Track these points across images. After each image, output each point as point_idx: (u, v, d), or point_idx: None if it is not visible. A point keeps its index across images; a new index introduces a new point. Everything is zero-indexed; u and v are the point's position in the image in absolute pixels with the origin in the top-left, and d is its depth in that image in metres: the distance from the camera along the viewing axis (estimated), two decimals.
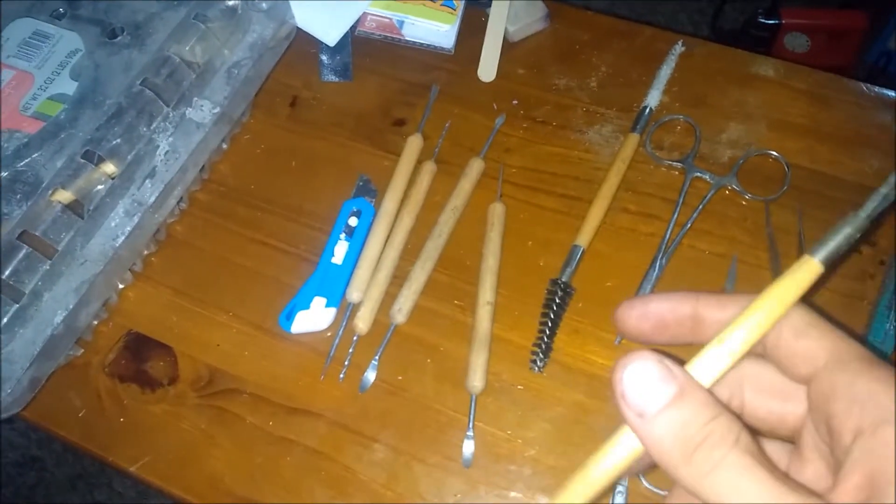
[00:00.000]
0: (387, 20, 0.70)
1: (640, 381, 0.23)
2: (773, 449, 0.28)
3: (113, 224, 0.54)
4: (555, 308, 0.55)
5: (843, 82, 0.65)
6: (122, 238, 0.53)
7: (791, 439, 0.27)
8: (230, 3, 0.60)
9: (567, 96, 0.66)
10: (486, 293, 0.55)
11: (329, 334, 0.56)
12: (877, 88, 0.64)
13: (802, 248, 0.56)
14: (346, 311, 0.56)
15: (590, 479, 0.25)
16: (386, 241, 0.59)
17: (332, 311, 0.56)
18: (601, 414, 0.52)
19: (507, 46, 0.68)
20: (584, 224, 0.58)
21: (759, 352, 0.27)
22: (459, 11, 0.69)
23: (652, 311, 0.29)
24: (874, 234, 0.57)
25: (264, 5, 0.62)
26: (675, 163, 0.61)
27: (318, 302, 0.56)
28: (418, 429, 0.52)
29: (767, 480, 0.22)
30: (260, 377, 0.55)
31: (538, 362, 0.53)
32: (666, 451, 0.23)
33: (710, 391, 0.24)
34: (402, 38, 0.69)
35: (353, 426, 0.53)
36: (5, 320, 0.49)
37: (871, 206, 0.26)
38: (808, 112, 0.63)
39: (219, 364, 0.56)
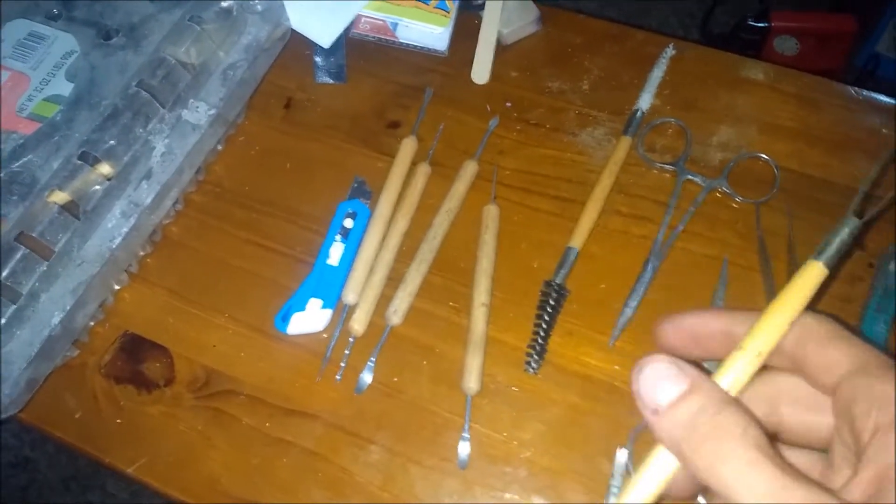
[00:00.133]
0: (381, 22, 0.70)
1: (653, 379, 0.25)
2: (811, 459, 0.28)
3: (109, 225, 0.54)
4: (549, 310, 0.55)
5: (832, 86, 0.65)
6: (119, 239, 0.53)
7: (826, 449, 0.28)
8: (225, 4, 0.60)
9: (560, 99, 0.66)
10: (481, 295, 0.56)
11: (325, 336, 0.56)
12: (865, 92, 0.64)
13: (792, 250, 0.56)
14: (342, 313, 0.57)
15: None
16: (381, 242, 0.59)
17: (328, 312, 0.57)
18: (596, 415, 0.53)
19: (500, 49, 0.69)
20: (578, 226, 0.58)
21: (789, 366, 0.28)
22: (453, 14, 0.70)
23: (686, 326, 0.30)
24: (863, 237, 0.58)
25: (259, 7, 0.62)
26: (666, 165, 0.61)
27: (314, 303, 0.57)
28: (414, 430, 0.53)
29: (772, 472, 0.22)
30: (256, 378, 0.55)
31: (533, 364, 0.54)
32: (676, 444, 0.24)
33: (718, 386, 0.25)
34: (395, 40, 0.70)
35: (350, 427, 0.53)
36: (3, 321, 0.49)
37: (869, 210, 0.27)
38: (797, 115, 0.64)
39: (215, 365, 0.56)
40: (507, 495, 0.51)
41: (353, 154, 0.65)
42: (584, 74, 0.68)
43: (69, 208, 0.52)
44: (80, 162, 0.52)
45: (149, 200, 0.55)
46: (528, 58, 0.69)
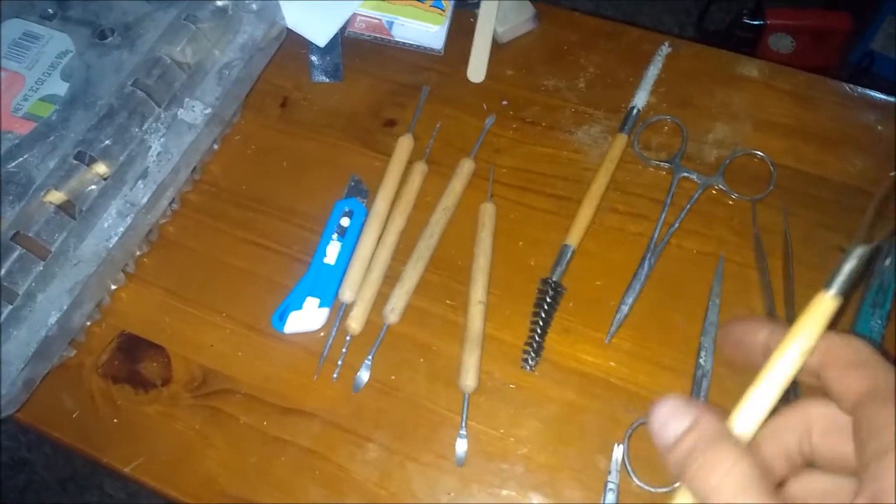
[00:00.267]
0: (376, 21, 0.70)
1: (663, 416, 0.27)
2: (845, 485, 0.29)
3: (106, 225, 0.54)
4: (546, 307, 0.55)
5: (827, 83, 0.66)
6: (115, 239, 0.53)
7: None
8: (220, 3, 0.60)
9: (556, 97, 0.66)
10: (478, 293, 0.56)
11: (322, 334, 0.57)
12: (860, 89, 0.65)
13: (788, 247, 0.57)
14: (339, 312, 0.57)
15: None
16: (378, 241, 0.59)
17: (325, 311, 0.57)
18: (593, 412, 0.53)
19: (496, 47, 0.69)
20: (574, 224, 0.59)
21: (820, 388, 0.28)
22: (448, 13, 0.70)
23: (733, 333, 0.31)
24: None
25: (254, 6, 0.62)
26: (662, 163, 0.61)
27: (311, 302, 0.57)
28: (411, 428, 0.53)
29: (759, 501, 0.24)
30: (253, 377, 0.55)
31: (530, 361, 0.54)
32: (680, 476, 0.26)
33: (717, 422, 0.26)
34: (391, 38, 0.70)
35: (347, 426, 0.53)
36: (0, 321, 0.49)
37: (878, 236, 0.28)
38: (792, 112, 0.64)
39: (212, 364, 0.56)
40: (505, 492, 0.51)
41: (349, 153, 0.65)
42: (579, 72, 0.68)
43: (65, 208, 0.52)
44: (75, 161, 0.52)
45: (145, 200, 0.55)
46: (523, 56, 0.69)
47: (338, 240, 0.59)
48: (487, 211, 0.59)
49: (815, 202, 0.59)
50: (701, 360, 0.53)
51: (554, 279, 0.56)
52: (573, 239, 0.58)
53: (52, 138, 0.54)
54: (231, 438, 0.53)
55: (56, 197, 0.52)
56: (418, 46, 0.69)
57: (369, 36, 0.70)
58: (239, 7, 0.61)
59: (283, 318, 0.56)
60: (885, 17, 1.45)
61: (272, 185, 0.64)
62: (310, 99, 0.68)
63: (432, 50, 0.69)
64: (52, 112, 0.56)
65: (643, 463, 0.50)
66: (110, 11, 0.60)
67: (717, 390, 0.52)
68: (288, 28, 0.67)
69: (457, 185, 0.61)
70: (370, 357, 0.55)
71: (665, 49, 0.67)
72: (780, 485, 0.29)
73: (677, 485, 0.48)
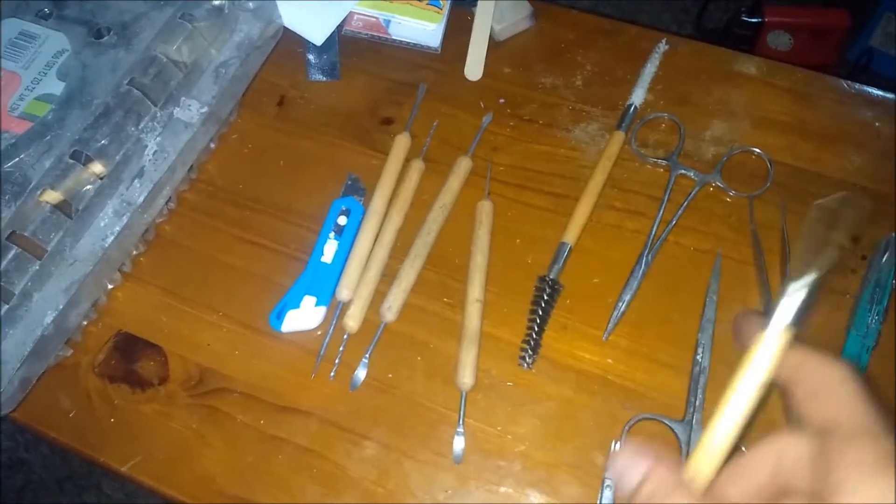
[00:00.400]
0: (373, 19, 0.70)
1: (619, 466, 0.29)
2: None
3: (102, 224, 0.54)
4: (543, 305, 0.55)
5: (825, 80, 0.65)
6: (111, 238, 0.53)
7: None
8: (216, 2, 0.60)
9: (553, 95, 0.66)
10: (475, 290, 0.56)
11: (319, 333, 0.56)
12: (857, 85, 0.65)
13: (786, 243, 0.57)
14: (336, 310, 0.57)
15: None
16: (375, 239, 0.59)
17: (322, 309, 0.57)
18: (590, 409, 0.53)
19: (493, 45, 0.69)
20: (571, 221, 0.58)
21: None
22: (445, 10, 0.70)
23: (737, 323, 0.32)
24: (856, 230, 0.58)
25: (251, 5, 0.62)
26: (659, 160, 0.61)
27: (308, 301, 0.57)
28: (409, 426, 0.53)
29: None
30: (250, 376, 0.55)
31: (527, 358, 0.54)
32: None
33: (668, 471, 0.28)
34: (388, 37, 0.69)
35: (344, 424, 0.53)
36: None
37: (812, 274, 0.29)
38: (790, 109, 0.64)
39: (209, 363, 0.56)
40: (502, 489, 0.51)
41: (346, 151, 0.65)
42: (577, 70, 0.68)
43: (61, 207, 0.52)
44: (72, 161, 0.52)
45: (141, 199, 0.55)
46: (521, 54, 0.69)
47: (335, 238, 0.59)
48: (485, 209, 0.59)
49: (813, 199, 0.58)
50: (698, 357, 0.53)
51: (551, 277, 0.56)
52: (570, 236, 0.58)
53: (48, 138, 0.54)
54: (228, 437, 0.53)
55: (52, 196, 0.52)
56: (415, 44, 0.69)
57: (366, 34, 0.70)
58: (235, 6, 0.61)
59: (280, 317, 0.56)
60: (884, 15, 1.45)
61: (269, 183, 0.63)
62: (307, 97, 0.68)
63: (429, 48, 0.69)
64: (48, 111, 0.55)
65: None
66: (106, 10, 0.60)
67: (714, 386, 0.52)
68: (285, 27, 0.67)
69: (454, 183, 0.61)
70: (367, 355, 0.55)
71: (662, 46, 0.67)
72: None
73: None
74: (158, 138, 0.57)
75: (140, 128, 0.56)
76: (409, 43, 0.69)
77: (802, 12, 1.42)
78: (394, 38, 0.69)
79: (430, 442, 0.52)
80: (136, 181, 0.55)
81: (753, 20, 1.40)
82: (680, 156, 0.62)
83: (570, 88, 0.66)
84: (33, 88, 0.57)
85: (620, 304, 0.56)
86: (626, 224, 0.60)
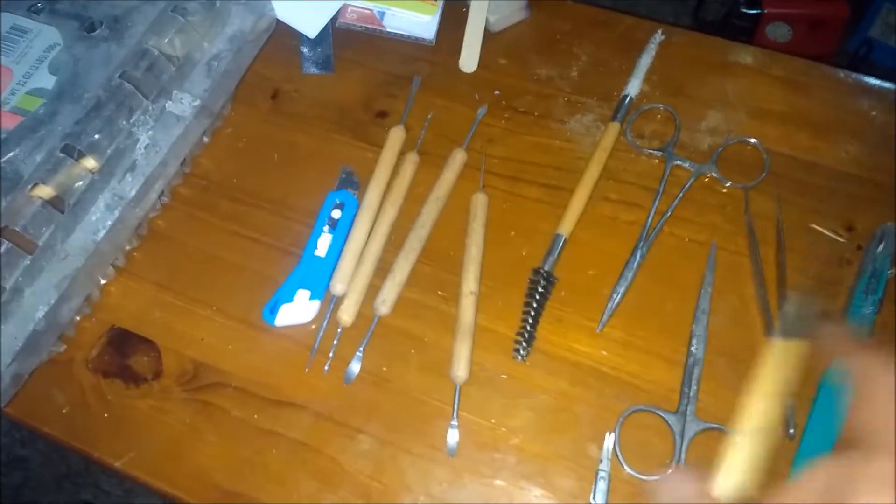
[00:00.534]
0: (367, 11, 0.70)
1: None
2: None
3: (94, 218, 0.54)
4: (537, 297, 0.55)
5: (822, 69, 0.65)
6: (103, 232, 0.53)
7: None
8: None
9: (548, 86, 0.66)
10: (470, 283, 0.55)
11: (313, 327, 0.56)
12: (854, 75, 0.64)
13: (781, 234, 0.56)
14: (330, 304, 0.56)
15: None
16: (369, 232, 0.59)
17: (316, 303, 0.56)
18: (584, 402, 0.52)
19: (488, 37, 0.68)
20: (566, 213, 0.58)
21: None
22: (440, 2, 0.69)
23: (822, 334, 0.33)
24: (852, 220, 0.57)
25: None
26: (655, 151, 0.61)
27: (302, 295, 0.56)
28: (403, 419, 0.53)
29: None
30: (245, 371, 0.55)
31: (521, 351, 0.54)
32: None
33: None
34: (383, 29, 0.69)
35: (339, 418, 0.53)
36: None
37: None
38: (786, 99, 0.64)
39: (203, 358, 0.56)
40: (497, 482, 0.50)
41: (340, 144, 0.64)
42: (572, 61, 0.67)
43: (53, 202, 0.52)
44: (63, 155, 0.52)
45: (133, 193, 0.54)
46: (516, 45, 0.69)
47: (329, 232, 0.59)
48: (479, 201, 0.59)
49: (808, 188, 0.59)
50: (692, 349, 0.53)
51: (546, 269, 0.56)
52: (565, 228, 0.58)
53: (39, 132, 0.54)
54: (222, 432, 0.53)
55: (44, 191, 0.52)
56: (410, 37, 0.69)
57: (360, 27, 0.69)
58: None
59: (274, 311, 0.56)
60: (883, 5, 1.44)
61: (263, 177, 0.63)
62: (301, 91, 0.67)
63: (424, 40, 0.69)
64: (39, 106, 0.55)
65: (634, 451, 0.50)
66: (98, 4, 0.59)
67: (708, 378, 0.52)
68: (278, 19, 0.66)
69: (449, 175, 0.61)
70: (361, 349, 0.55)
71: (658, 37, 0.66)
72: None
73: (668, 472, 0.48)
74: (150, 132, 0.56)
75: (132, 121, 0.56)
76: (403, 35, 0.69)
77: (801, 3, 1.41)
78: (388, 30, 0.69)
79: (425, 435, 0.52)
80: (127, 175, 0.55)
81: (752, 11, 1.39)
82: (675, 146, 0.61)
83: (566, 79, 0.66)
84: (25, 83, 0.57)
85: (615, 296, 0.55)
86: (621, 215, 0.59)
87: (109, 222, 0.53)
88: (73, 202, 0.52)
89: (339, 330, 0.55)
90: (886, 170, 0.59)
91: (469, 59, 0.67)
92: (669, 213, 0.58)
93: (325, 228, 0.59)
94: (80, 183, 0.53)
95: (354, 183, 0.62)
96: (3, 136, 0.53)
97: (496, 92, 0.66)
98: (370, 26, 0.69)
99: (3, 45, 0.58)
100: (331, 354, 0.55)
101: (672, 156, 0.61)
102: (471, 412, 0.53)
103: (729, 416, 0.50)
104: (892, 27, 1.45)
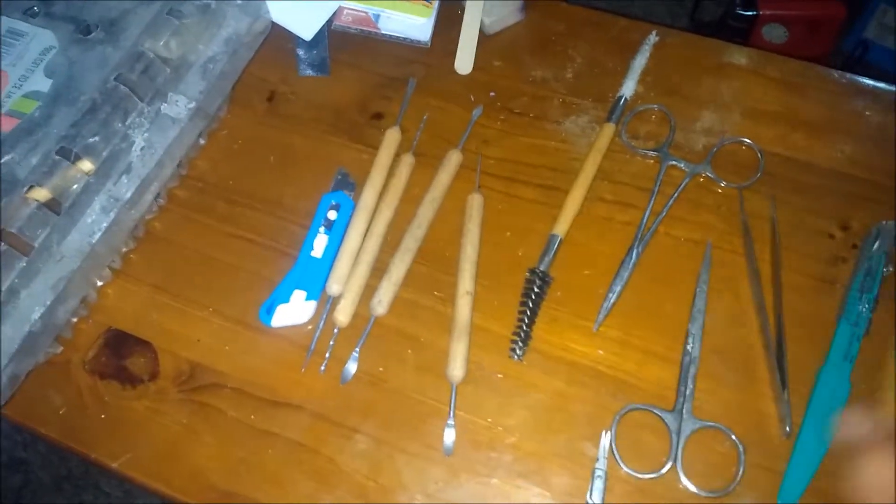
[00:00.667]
0: (363, 14, 0.70)
1: None
2: None
3: (89, 220, 0.54)
4: (533, 297, 0.55)
5: (816, 69, 0.65)
6: (99, 234, 0.53)
7: None
8: None
9: (543, 87, 0.66)
10: (466, 283, 0.56)
11: (310, 327, 0.56)
12: (848, 75, 0.64)
13: (776, 233, 0.56)
14: (327, 304, 0.57)
15: None
16: (365, 233, 0.59)
17: (313, 304, 0.57)
18: (581, 400, 0.53)
19: (484, 39, 0.69)
20: (562, 214, 0.58)
21: None
22: (435, 4, 0.70)
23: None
24: (847, 219, 0.58)
25: (238, 0, 0.62)
26: (650, 152, 0.61)
27: (298, 295, 0.57)
28: (400, 419, 0.53)
29: None
30: (241, 371, 0.55)
31: (517, 351, 0.54)
32: None
33: None
34: (378, 31, 0.69)
35: (335, 418, 0.53)
36: None
37: None
38: (781, 100, 0.64)
39: (200, 359, 0.56)
40: (493, 481, 0.50)
41: (336, 146, 0.65)
42: (567, 62, 0.67)
43: (49, 204, 0.52)
44: (59, 157, 0.52)
45: (128, 195, 0.55)
46: (511, 47, 0.69)
47: (325, 233, 0.59)
48: (475, 202, 0.59)
49: (803, 188, 0.59)
50: (688, 347, 0.53)
51: (542, 269, 0.56)
52: (561, 228, 0.58)
53: (35, 135, 0.54)
54: (219, 432, 0.53)
55: (40, 193, 0.52)
56: (405, 39, 0.69)
57: (356, 29, 0.70)
58: (223, 1, 0.61)
59: (270, 312, 0.56)
60: (879, 5, 1.44)
61: (259, 179, 0.63)
62: (296, 93, 0.68)
63: (419, 42, 0.69)
64: (35, 108, 0.55)
65: (631, 450, 0.50)
66: (94, 7, 0.60)
67: (704, 376, 0.52)
68: (273, 22, 0.66)
69: (444, 176, 0.61)
70: (358, 349, 0.55)
71: (653, 38, 0.67)
72: None
73: (664, 470, 0.48)
74: (146, 134, 0.56)
75: (127, 124, 0.56)
76: (398, 37, 0.69)
77: (797, 4, 1.41)
78: (383, 32, 0.69)
79: (421, 435, 0.52)
80: (123, 177, 0.55)
81: (748, 13, 1.40)
82: (670, 147, 0.61)
83: (561, 81, 0.66)
84: (21, 86, 0.57)
85: (611, 296, 0.55)
86: (616, 216, 0.59)
87: (105, 224, 0.54)
88: (69, 204, 0.53)
89: (335, 330, 0.55)
90: (881, 169, 0.60)
91: (464, 61, 0.68)
92: (665, 213, 0.58)
93: (321, 229, 0.59)
94: (76, 185, 0.53)
95: (350, 184, 0.62)
96: (0, 138, 0.54)
97: (491, 93, 0.66)
98: (365, 28, 0.69)
99: None
100: (327, 355, 0.55)
101: (667, 156, 0.61)
102: (467, 411, 0.53)
103: (725, 415, 0.51)
104: (887, 28, 1.45)
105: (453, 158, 0.62)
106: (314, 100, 0.67)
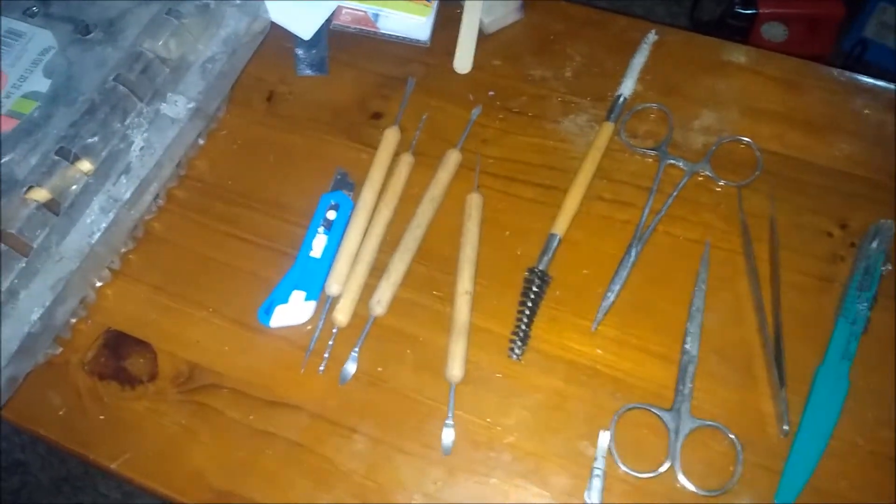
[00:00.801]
0: (361, 13, 0.70)
1: None
2: None
3: (88, 221, 0.54)
4: (532, 296, 0.55)
5: (816, 69, 0.65)
6: (98, 234, 0.53)
7: None
8: None
9: (542, 87, 0.66)
10: (465, 283, 0.56)
11: (309, 328, 0.56)
12: (847, 73, 0.64)
13: (775, 232, 0.56)
14: (326, 305, 0.57)
15: None
16: (364, 233, 0.59)
17: (312, 304, 0.57)
18: (579, 400, 0.53)
19: (483, 38, 0.69)
20: (561, 213, 0.58)
21: None
22: (434, 4, 0.70)
23: None
24: (846, 217, 0.58)
25: (237, 0, 0.62)
26: (648, 150, 0.61)
27: (297, 296, 0.57)
28: (398, 419, 0.53)
29: None
30: (240, 372, 0.55)
31: (516, 350, 0.54)
32: None
33: None
34: (377, 31, 0.69)
35: (334, 418, 0.53)
36: None
37: None
38: (780, 98, 0.64)
39: (198, 360, 0.56)
40: (492, 480, 0.51)
41: (335, 146, 0.65)
42: (566, 62, 0.67)
43: (48, 204, 0.52)
44: (58, 158, 0.52)
45: (128, 195, 0.55)
46: (510, 46, 0.69)
47: (324, 233, 0.59)
48: (474, 201, 0.59)
49: (802, 187, 0.59)
50: (687, 346, 0.53)
51: (540, 268, 0.56)
52: (560, 228, 0.58)
53: (34, 135, 0.54)
54: (218, 433, 0.53)
55: (39, 194, 0.52)
56: (404, 38, 0.69)
57: (355, 28, 0.70)
58: (222, 1, 0.61)
59: (269, 312, 0.56)
60: (878, 4, 1.44)
61: (258, 179, 0.63)
62: (296, 93, 0.68)
63: (418, 41, 0.69)
64: (34, 109, 0.55)
65: (629, 449, 0.50)
66: (93, 7, 0.60)
67: (702, 375, 0.52)
68: (272, 22, 0.66)
69: (443, 176, 0.61)
70: (357, 349, 0.55)
71: (652, 37, 0.67)
72: None
73: (663, 469, 0.48)
74: (145, 134, 0.56)
75: (126, 124, 0.56)
76: (397, 37, 0.69)
77: (797, 2, 1.41)
78: (382, 31, 0.69)
79: (420, 435, 0.52)
80: (122, 177, 0.55)
81: (747, 11, 1.40)
82: (669, 146, 0.61)
83: (560, 80, 0.66)
84: (20, 86, 0.57)
85: (609, 295, 0.55)
86: (615, 215, 0.59)
87: (104, 225, 0.54)
88: (68, 205, 0.53)
89: (334, 330, 0.55)
90: (880, 168, 0.60)
91: (463, 60, 0.68)
92: (663, 212, 0.58)
93: (320, 229, 0.59)
94: (75, 185, 0.53)
95: (349, 184, 0.62)
96: None
97: (490, 93, 0.66)
98: (364, 28, 0.69)
99: None
100: (326, 355, 0.55)
101: (666, 155, 0.61)
102: (466, 411, 0.53)
103: (723, 413, 0.51)
104: (887, 27, 1.45)
105: (452, 158, 0.62)
106: (313, 99, 0.67)
